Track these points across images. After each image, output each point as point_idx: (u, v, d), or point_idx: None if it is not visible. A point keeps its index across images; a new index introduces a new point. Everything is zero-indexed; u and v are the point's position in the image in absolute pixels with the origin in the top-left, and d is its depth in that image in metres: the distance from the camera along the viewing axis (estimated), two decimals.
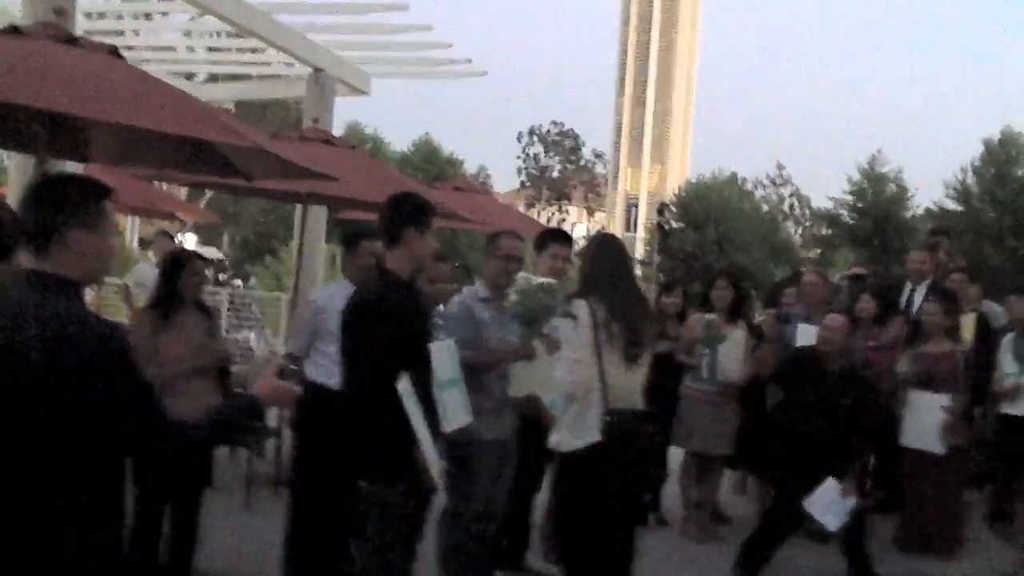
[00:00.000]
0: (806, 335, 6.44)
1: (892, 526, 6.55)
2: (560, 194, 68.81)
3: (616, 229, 66.03)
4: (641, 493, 4.58)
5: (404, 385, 3.56)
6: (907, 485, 6.41)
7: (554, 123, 70.75)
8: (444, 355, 4.10)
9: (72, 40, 4.24)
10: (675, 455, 6.79)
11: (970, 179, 37.20)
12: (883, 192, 35.60)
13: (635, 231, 59.19)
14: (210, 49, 15.01)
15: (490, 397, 4.48)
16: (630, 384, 4.15)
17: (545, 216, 66.58)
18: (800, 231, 55.85)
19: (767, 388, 6.43)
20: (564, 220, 65.72)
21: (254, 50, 14.03)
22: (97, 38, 8.59)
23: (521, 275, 4.72)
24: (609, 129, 70.68)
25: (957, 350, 6.40)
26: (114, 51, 4.43)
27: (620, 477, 4.09)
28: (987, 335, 6.89)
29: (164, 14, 13.78)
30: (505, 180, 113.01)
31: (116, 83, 4.08)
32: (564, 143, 70.57)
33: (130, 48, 14.35)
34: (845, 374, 5.78)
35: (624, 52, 68.72)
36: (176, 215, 14.67)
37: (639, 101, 68.15)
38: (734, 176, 57.13)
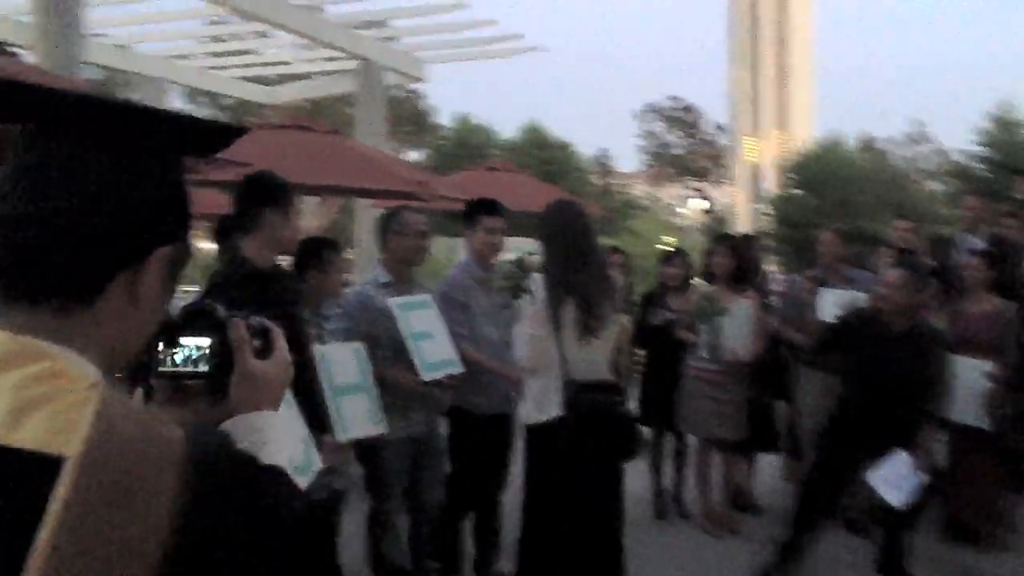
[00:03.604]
0: (829, 301, 5.73)
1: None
2: (684, 170, 67.44)
3: (741, 200, 63.90)
4: (615, 473, 4.18)
5: None
6: (949, 465, 5.61)
7: (672, 98, 69.51)
8: (346, 358, 3.81)
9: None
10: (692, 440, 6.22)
11: None
12: (1016, 140, 32.79)
13: (761, 202, 56.74)
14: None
15: (397, 394, 4.08)
16: (590, 357, 4.03)
17: (673, 193, 65.34)
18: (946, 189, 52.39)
19: (791, 367, 5.79)
20: (689, 196, 64.25)
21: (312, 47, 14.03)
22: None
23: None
24: (726, 98, 68.41)
25: (1003, 308, 5.54)
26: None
27: (584, 451, 3.97)
28: None
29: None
30: (628, 161, 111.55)
31: None
32: (683, 118, 69.07)
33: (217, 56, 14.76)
34: (910, 335, 4.97)
35: (733, 15, 66.25)
36: None
37: (754, 67, 65.49)
38: (867, 137, 54.23)
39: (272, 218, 3.40)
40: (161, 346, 1.20)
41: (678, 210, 62.41)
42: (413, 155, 47.52)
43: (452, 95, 48.24)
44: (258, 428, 1.20)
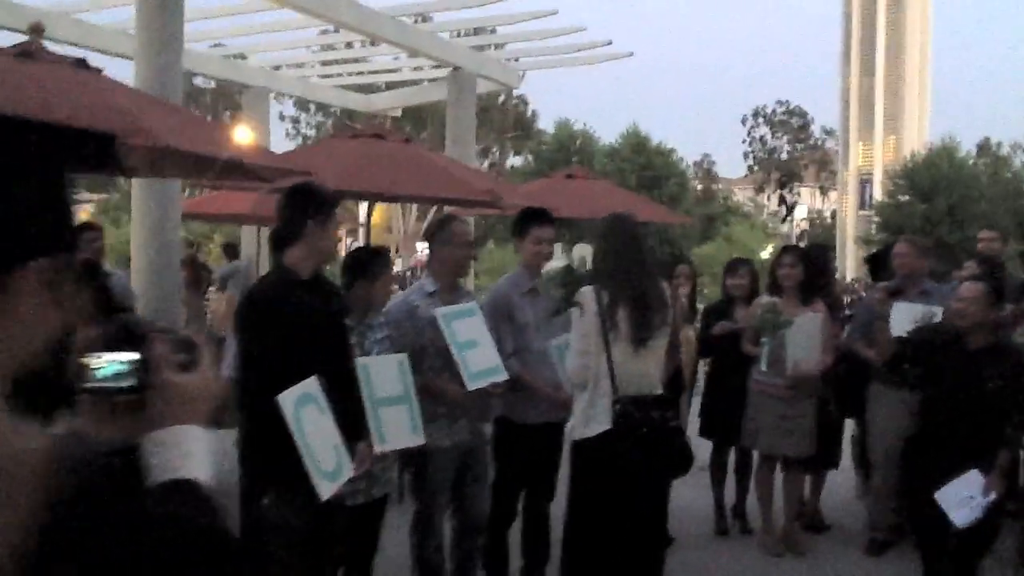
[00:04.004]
0: (902, 314, 5.52)
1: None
2: (790, 175, 65.82)
3: (849, 208, 62.00)
4: (661, 490, 4.17)
5: (285, 395, 3.29)
6: None
7: (779, 102, 67.94)
8: (388, 370, 3.86)
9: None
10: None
11: None
12: None
13: (870, 209, 54.94)
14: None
15: (443, 402, 4.13)
16: (640, 369, 4.04)
17: (775, 200, 63.91)
18: None
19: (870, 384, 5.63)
20: (795, 203, 62.79)
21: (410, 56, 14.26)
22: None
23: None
24: (836, 103, 66.35)
25: None
26: None
27: (631, 466, 3.96)
28: None
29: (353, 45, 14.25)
30: (732, 167, 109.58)
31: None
32: (791, 122, 67.49)
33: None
34: (991, 351, 4.74)
35: (848, 18, 64.20)
36: None
37: (868, 70, 63.31)
38: (986, 141, 52.17)
39: (312, 228, 3.47)
40: (84, 361, 1.25)
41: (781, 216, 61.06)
42: (515, 160, 47.87)
43: (559, 102, 48.36)
44: (177, 442, 1.21)
